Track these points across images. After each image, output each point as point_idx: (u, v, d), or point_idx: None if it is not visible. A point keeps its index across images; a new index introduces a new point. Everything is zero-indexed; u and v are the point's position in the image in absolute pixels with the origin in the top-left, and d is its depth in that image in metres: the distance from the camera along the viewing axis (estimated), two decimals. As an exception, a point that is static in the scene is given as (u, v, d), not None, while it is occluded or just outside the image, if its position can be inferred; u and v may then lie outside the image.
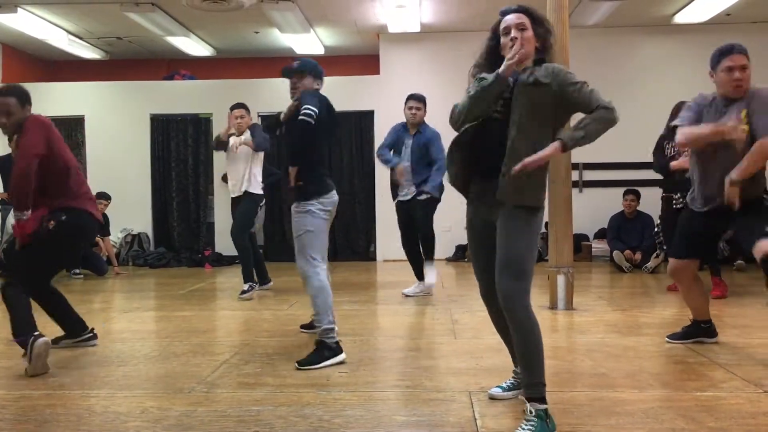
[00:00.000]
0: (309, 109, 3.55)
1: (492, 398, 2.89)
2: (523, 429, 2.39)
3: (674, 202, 5.86)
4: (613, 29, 9.09)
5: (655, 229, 7.49)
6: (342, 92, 8.90)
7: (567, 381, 3.19)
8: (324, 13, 8.45)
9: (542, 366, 2.48)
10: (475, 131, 2.60)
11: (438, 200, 5.75)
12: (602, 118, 2.45)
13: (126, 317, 5.17)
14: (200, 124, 9.80)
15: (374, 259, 9.51)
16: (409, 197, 5.80)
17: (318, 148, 3.71)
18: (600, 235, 8.99)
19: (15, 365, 3.52)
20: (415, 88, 6.20)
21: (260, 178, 6.13)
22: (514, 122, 2.49)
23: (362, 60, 10.20)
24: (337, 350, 3.54)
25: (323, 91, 3.83)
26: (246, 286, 5.91)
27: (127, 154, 9.64)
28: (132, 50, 10.11)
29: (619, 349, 3.81)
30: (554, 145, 2.45)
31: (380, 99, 9.28)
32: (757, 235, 3.35)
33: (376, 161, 8.63)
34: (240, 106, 6.16)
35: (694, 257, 3.77)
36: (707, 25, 8.78)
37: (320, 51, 9.98)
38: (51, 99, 9.46)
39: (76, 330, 4.03)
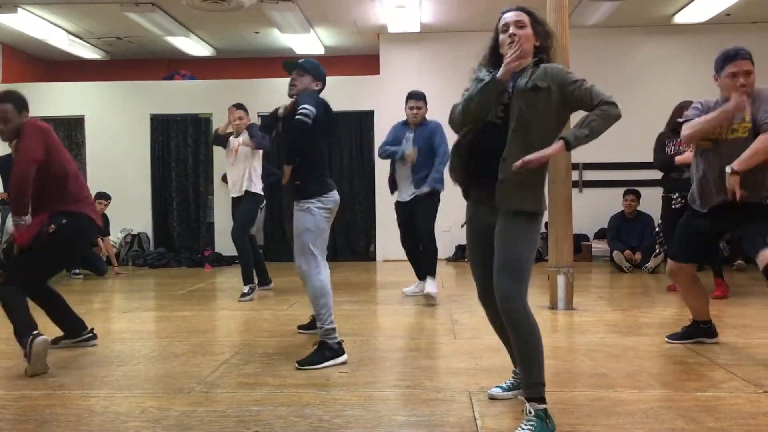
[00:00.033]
0: (306, 109, 3.55)
1: (492, 398, 2.89)
2: (523, 429, 2.39)
3: (673, 201, 5.86)
4: (613, 29, 9.09)
5: (656, 229, 7.49)
6: (342, 92, 8.91)
7: (567, 381, 3.19)
8: (324, 13, 8.45)
9: (542, 366, 2.47)
10: (474, 137, 2.59)
11: (439, 193, 5.62)
12: (606, 114, 2.43)
13: (126, 317, 5.17)
14: (200, 124, 9.80)
15: (374, 259, 9.51)
16: (408, 198, 5.70)
17: (317, 148, 3.70)
18: (600, 235, 8.99)
19: (15, 365, 3.52)
20: (415, 88, 6.17)
21: (260, 178, 6.12)
22: (513, 128, 2.47)
23: (362, 60, 10.21)
24: (338, 351, 3.54)
25: (322, 93, 3.83)
26: (246, 289, 5.89)
27: (127, 154, 9.64)
28: (132, 50, 10.11)
29: (619, 349, 3.81)
30: (557, 144, 2.44)
31: (380, 99, 9.29)
32: (761, 244, 3.34)
33: (377, 161, 8.66)
34: (239, 107, 6.16)
35: (693, 260, 3.76)
36: (707, 25, 8.78)
37: (320, 51, 9.98)
38: (51, 99, 9.48)
39: (75, 330, 4.03)
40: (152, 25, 8.51)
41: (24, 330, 3.41)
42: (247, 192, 6.03)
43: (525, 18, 2.57)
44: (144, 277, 8.06)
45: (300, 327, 4.45)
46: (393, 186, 5.90)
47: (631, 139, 7.62)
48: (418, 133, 5.69)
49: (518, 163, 2.40)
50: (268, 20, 8.48)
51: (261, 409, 2.80)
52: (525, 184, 2.47)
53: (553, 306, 5.15)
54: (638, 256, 7.72)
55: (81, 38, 9.41)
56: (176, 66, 10.47)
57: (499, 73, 2.47)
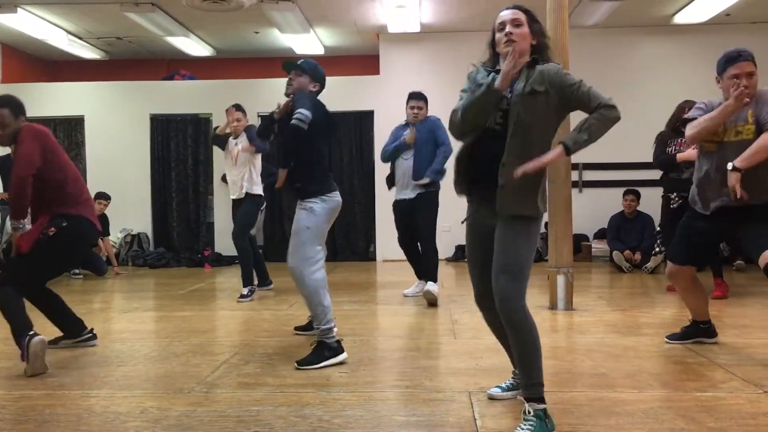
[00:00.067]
0: (301, 113, 3.55)
1: (491, 398, 2.89)
2: (522, 429, 2.39)
3: (672, 201, 5.87)
4: (612, 29, 9.09)
5: (657, 228, 7.49)
6: (342, 92, 8.92)
7: (567, 381, 3.19)
8: (324, 13, 8.45)
9: (540, 366, 2.47)
10: (474, 142, 2.58)
11: (438, 192, 5.61)
12: (605, 118, 2.43)
13: (126, 317, 5.17)
14: (200, 124, 9.80)
15: (374, 259, 9.51)
16: (408, 197, 5.66)
17: (317, 148, 3.69)
18: (600, 235, 8.99)
19: (15, 365, 3.52)
20: (415, 88, 6.17)
21: (260, 179, 6.12)
22: (512, 133, 2.47)
23: (362, 60, 10.21)
24: (338, 350, 3.53)
25: (322, 94, 3.83)
26: (245, 291, 5.89)
27: (126, 154, 9.64)
28: (132, 50, 10.11)
29: (619, 349, 3.81)
30: (557, 150, 2.44)
31: (380, 99, 9.29)
32: (763, 245, 3.33)
33: (377, 161, 8.65)
34: (237, 108, 6.16)
35: (692, 262, 3.73)
36: (707, 25, 8.79)
37: (320, 51, 9.98)
38: (51, 99, 9.49)
39: (75, 330, 4.02)
40: (152, 25, 8.51)
41: (21, 330, 3.40)
42: (247, 194, 6.03)
43: (522, 17, 2.56)
44: (144, 277, 8.06)
45: (297, 328, 4.43)
46: (390, 182, 5.88)
47: (630, 139, 7.62)
48: (419, 129, 5.68)
49: (518, 171, 2.39)
50: (268, 20, 8.48)
51: (261, 409, 2.80)
52: (525, 188, 2.47)
53: (552, 306, 5.15)
54: (638, 256, 7.71)
55: (81, 38, 9.41)
56: (176, 66, 10.48)
57: (497, 83, 2.46)
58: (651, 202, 7.49)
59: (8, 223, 6.77)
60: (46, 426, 2.65)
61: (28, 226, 3.72)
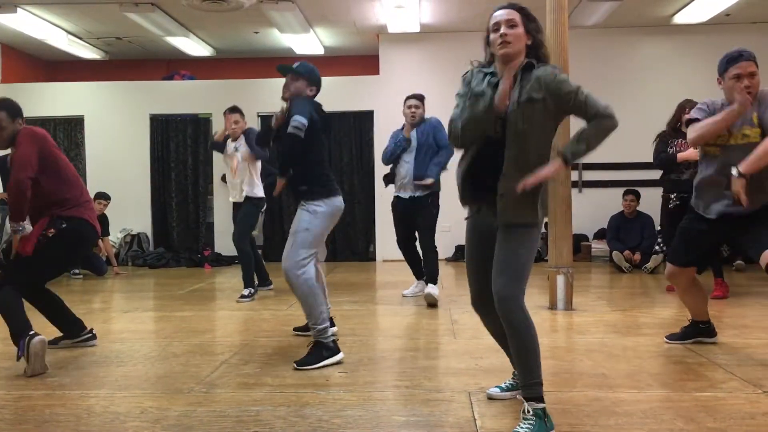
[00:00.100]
0: (297, 120, 3.54)
1: (491, 398, 2.89)
2: (521, 428, 2.39)
3: (671, 201, 5.86)
4: (612, 29, 9.09)
5: (657, 228, 7.49)
6: (341, 92, 8.93)
7: (566, 381, 3.19)
8: (324, 13, 8.45)
9: (539, 366, 2.48)
10: (474, 154, 2.58)
11: (438, 192, 5.61)
12: (602, 127, 2.44)
13: (125, 317, 5.17)
14: (200, 124, 9.80)
15: (373, 259, 9.52)
16: (409, 195, 5.64)
17: (317, 149, 3.69)
18: (599, 235, 8.99)
19: (14, 365, 3.51)
20: (415, 88, 6.18)
21: (260, 180, 6.12)
22: (510, 142, 2.47)
23: (362, 60, 10.21)
24: (335, 350, 3.54)
25: (322, 94, 3.83)
26: (246, 291, 5.89)
27: (126, 154, 9.64)
28: (131, 50, 10.11)
29: (619, 350, 3.81)
30: (556, 163, 2.45)
31: (380, 99, 9.28)
32: (764, 245, 3.32)
33: (377, 161, 8.66)
34: (235, 110, 6.14)
35: (692, 264, 3.72)
36: (707, 25, 8.79)
37: (320, 51, 9.98)
38: (50, 99, 9.49)
39: (74, 330, 4.02)
40: (152, 25, 8.51)
41: (20, 331, 3.40)
42: (247, 197, 6.03)
43: (516, 16, 2.51)
44: (143, 277, 8.06)
45: (296, 328, 4.43)
46: (388, 180, 5.86)
47: (630, 140, 7.59)
48: (421, 129, 5.66)
49: (519, 187, 2.40)
50: (267, 20, 8.48)
51: (260, 409, 2.80)
52: (524, 197, 2.46)
53: (552, 306, 5.15)
54: (638, 256, 7.72)
55: (80, 38, 9.41)
56: (176, 66, 10.47)
57: (496, 100, 2.46)
58: (651, 202, 7.49)
59: (8, 223, 6.77)
60: (46, 426, 2.65)
61: (28, 228, 3.73)
